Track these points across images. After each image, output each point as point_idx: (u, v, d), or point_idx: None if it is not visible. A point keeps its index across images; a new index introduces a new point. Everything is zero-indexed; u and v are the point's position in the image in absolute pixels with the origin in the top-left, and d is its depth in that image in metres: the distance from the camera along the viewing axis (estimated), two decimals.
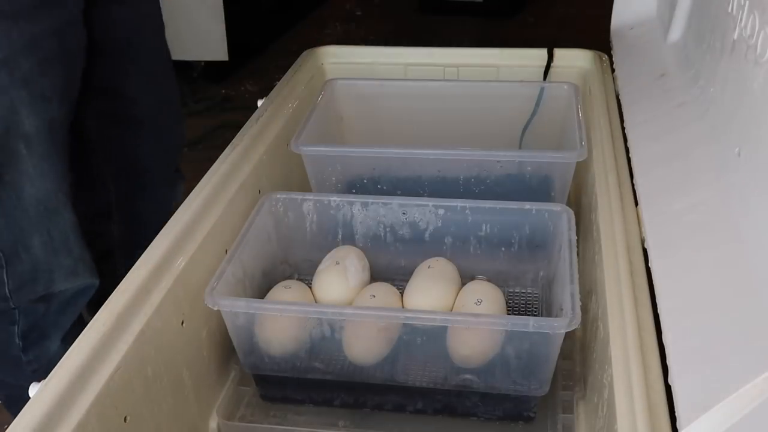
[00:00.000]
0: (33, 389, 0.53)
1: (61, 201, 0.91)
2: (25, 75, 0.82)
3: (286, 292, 0.74)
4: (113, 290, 0.61)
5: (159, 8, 1.11)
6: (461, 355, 0.66)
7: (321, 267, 0.77)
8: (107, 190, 1.14)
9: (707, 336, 0.49)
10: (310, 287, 0.77)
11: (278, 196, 0.80)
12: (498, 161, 0.83)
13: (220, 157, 0.82)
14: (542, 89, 0.99)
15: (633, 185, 0.73)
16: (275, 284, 0.76)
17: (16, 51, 0.80)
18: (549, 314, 0.78)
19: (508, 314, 0.74)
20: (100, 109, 1.06)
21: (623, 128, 0.84)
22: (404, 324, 0.65)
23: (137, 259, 0.65)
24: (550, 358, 0.64)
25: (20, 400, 0.51)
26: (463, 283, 0.76)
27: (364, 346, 0.68)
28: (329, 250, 0.79)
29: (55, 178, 0.90)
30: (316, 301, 0.75)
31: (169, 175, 1.17)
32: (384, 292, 0.74)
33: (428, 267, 0.76)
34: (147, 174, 1.15)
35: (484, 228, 0.78)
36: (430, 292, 0.73)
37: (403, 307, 0.74)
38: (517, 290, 0.82)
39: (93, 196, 1.14)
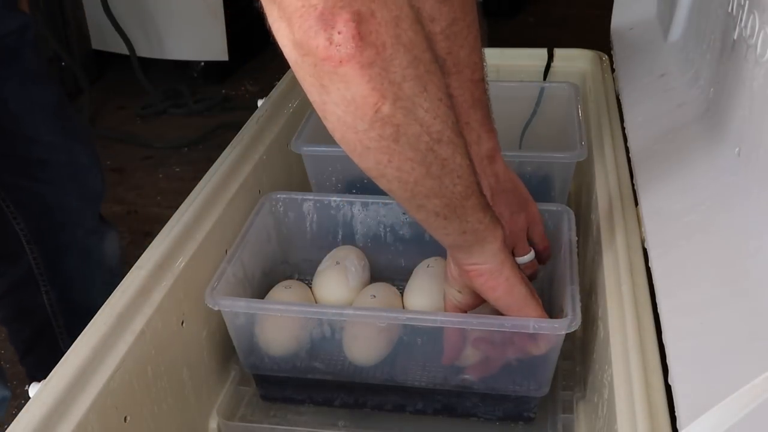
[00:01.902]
0: (33, 389, 0.53)
1: None
2: None
3: (286, 292, 0.74)
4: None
5: (40, 55, 1.02)
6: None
7: (321, 267, 0.77)
8: (24, 254, 1.04)
9: (707, 336, 0.49)
10: (311, 287, 0.77)
11: (278, 196, 0.80)
12: None
13: (220, 157, 0.82)
14: (542, 89, 0.99)
15: (633, 185, 0.73)
16: (275, 284, 0.76)
17: None
18: (549, 315, 0.78)
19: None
20: (1, 154, 0.98)
21: (623, 128, 0.84)
22: (404, 325, 0.65)
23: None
24: (551, 358, 0.64)
25: None
26: None
27: (364, 346, 0.68)
28: (329, 250, 0.79)
29: None
30: (316, 301, 0.75)
31: (92, 226, 1.07)
32: (384, 292, 0.74)
33: (428, 266, 0.76)
34: (65, 228, 1.05)
35: None
36: (431, 292, 0.73)
37: (403, 307, 0.74)
38: None
39: (11, 264, 1.05)
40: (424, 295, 0.74)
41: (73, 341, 0.57)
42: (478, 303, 0.64)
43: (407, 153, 0.46)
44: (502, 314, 0.62)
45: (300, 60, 0.42)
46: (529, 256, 0.71)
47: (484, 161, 0.69)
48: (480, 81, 0.66)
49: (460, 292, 0.63)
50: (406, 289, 0.75)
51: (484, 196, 0.55)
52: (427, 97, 0.45)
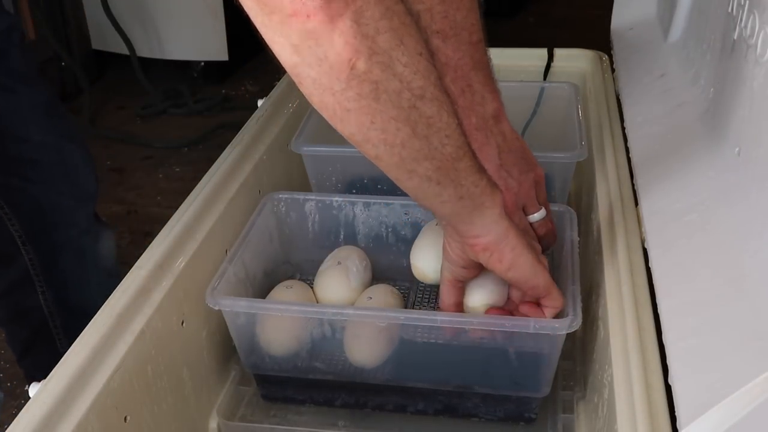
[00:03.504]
0: (33, 389, 0.53)
1: None
2: None
3: (287, 292, 0.74)
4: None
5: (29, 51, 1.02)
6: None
7: (323, 267, 0.77)
8: (20, 255, 1.03)
9: (707, 336, 0.49)
10: (312, 287, 0.77)
11: (280, 196, 0.80)
12: None
13: (220, 157, 0.82)
14: (542, 89, 0.99)
15: (633, 185, 0.73)
16: (277, 284, 0.76)
17: None
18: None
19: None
20: None
21: (623, 128, 0.84)
22: (404, 325, 0.65)
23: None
24: (552, 359, 0.64)
25: None
26: None
27: (364, 346, 0.68)
28: (331, 250, 0.79)
29: None
30: (317, 301, 0.75)
31: (86, 226, 1.06)
32: (382, 294, 0.74)
33: (436, 224, 0.75)
34: (59, 228, 1.04)
35: None
36: (437, 251, 0.67)
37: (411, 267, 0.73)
38: None
39: (6, 265, 1.05)
40: (432, 255, 0.73)
41: (71, 341, 0.57)
42: (478, 274, 0.63)
43: (390, 112, 0.45)
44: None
45: (266, 20, 0.41)
46: (540, 214, 0.69)
47: (490, 121, 0.67)
48: (479, 42, 0.65)
49: (464, 267, 0.62)
50: (413, 249, 0.75)
51: (477, 159, 0.54)
52: (405, 51, 0.44)
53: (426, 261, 0.74)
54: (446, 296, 0.65)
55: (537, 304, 0.62)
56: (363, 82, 0.43)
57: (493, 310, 0.65)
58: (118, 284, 0.63)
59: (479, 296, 0.66)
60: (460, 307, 0.65)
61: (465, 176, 0.52)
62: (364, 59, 0.42)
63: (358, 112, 0.44)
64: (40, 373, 0.54)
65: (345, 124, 0.46)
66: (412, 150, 0.48)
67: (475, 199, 0.54)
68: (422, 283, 0.78)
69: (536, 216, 0.69)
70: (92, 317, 0.59)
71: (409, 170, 0.50)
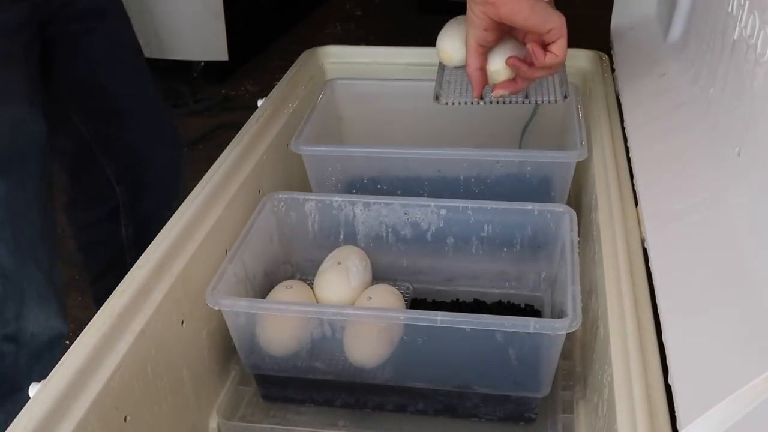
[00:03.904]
0: (33, 389, 0.53)
1: (29, 203, 0.90)
2: None
3: (287, 292, 0.74)
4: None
5: (124, 11, 1.14)
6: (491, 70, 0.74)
7: (323, 267, 0.77)
8: (114, 193, 1.16)
9: (707, 336, 0.49)
10: (312, 287, 0.77)
11: (280, 196, 0.80)
12: (498, 161, 0.83)
13: (220, 157, 0.82)
14: None
15: (633, 185, 0.73)
16: (277, 284, 0.76)
17: None
18: (550, 315, 0.78)
19: (510, 315, 0.74)
20: (89, 108, 1.08)
21: (623, 128, 0.84)
22: (405, 324, 0.65)
23: None
24: (552, 359, 0.64)
25: None
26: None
27: (364, 346, 0.68)
28: (331, 250, 0.79)
29: (20, 179, 0.89)
30: (317, 302, 0.75)
31: (169, 170, 1.19)
32: (382, 294, 0.74)
33: (457, 20, 0.84)
34: (149, 170, 1.17)
35: (486, 228, 0.78)
36: (462, 35, 0.79)
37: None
38: (518, 291, 0.82)
39: (101, 201, 1.17)
40: (457, 39, 0.83)
41: None
42: (498, 38, 0.74)
43: None
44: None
45: None
46: None
47: None
48: None
49: (485, 30, 0.72)
50: (439, 37, 0.86)
51: None
52: None
53: (452, 44, 0.84)
54: (472, 61, 0.76)
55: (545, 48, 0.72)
56: None
57: (512, 59, 0.75)
58: None
59: (499, 58, 0.76)
60: (484, 71, 0.77)
61: None
62: None
63: None
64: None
65: None
66: None
67: None
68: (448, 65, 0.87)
69: None
70: None
71: None
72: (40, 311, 0.92)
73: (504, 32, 0.74)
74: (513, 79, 0.77)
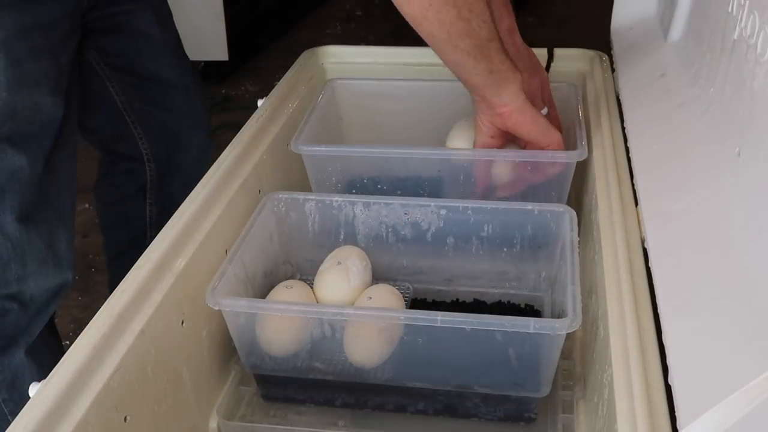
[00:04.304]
0: (33, 389, 0.53)
1: (37, 174, 0.92)
2: (18, 57, 0.87)
3: (287, 292, 0.74)
4: None
5: None
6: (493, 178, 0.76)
7: (323, 267, 0.77)
8: (144, 171, 1.19)
9: (707, 336, 0.49)
10: (312, 287, 0.77)
11: (280, 196, 0.80)
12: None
13: (220, 157, 0.82)
14: None
15: (633, 185, 0.73)
16: (277, 284, 0.76)
17: (10, 36, 0.85)
18: (550, 315, 0.78)
19: (510, 315, 0.74)
20: (126, 83, 1.12)
21: (623, 128, 0.84)
22: (405, 325, 0.65)
23: None
24: (552, 359, 0.64)
25: None
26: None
27: (364, 346, 0.68)
28: (331, 250, 0.79)
29: (37, 156, 0.91)
30: (317, 302, 0.75)
31: (198, 153, 1.21)
32: (382, 294, 0.74)
33: (465, 120, 0.88)
34: (182, 151, 1.19)
35: (486, 228, 0.78)
36: (470, 133, 0.84)
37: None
38: (518, 291, 0.82)
39: (132, 179, 1.20)
40: (465, 138, 0.87)
41: None
42: (505, 143, 0.81)
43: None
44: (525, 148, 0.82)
45: None
46: (544, 111, 0.84)
47: (505, 34, 0.87)
48: None
49: (492, 137, 0.79)
50: (449, 137, 0.89)
51: (503, 44, 0.72)
52: None
53: (461, 144, 0.87)
54: (478, 164, 0.83)
55: None
56: None
57: (519, 165, 0.82)
58: None
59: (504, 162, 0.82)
60: (488, 172, 0.83)
61: (495, 55, 0.71)
62: None
63: None
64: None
65: (409, 6, 0.67)
66: (457, 28, 0.67)
67: (501, 74, 0.73)
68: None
69: (542, 112, 0.82)
70: None
71: (454, 45, 0.69)
72: (41, 275, 0.95)
73: (509, 139, 0.81)
74: (514, 181, 0.84)
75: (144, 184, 1.20)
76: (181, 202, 0.72)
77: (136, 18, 1.08)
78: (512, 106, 0.75)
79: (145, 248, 0.65)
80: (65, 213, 0.98)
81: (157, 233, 0.68)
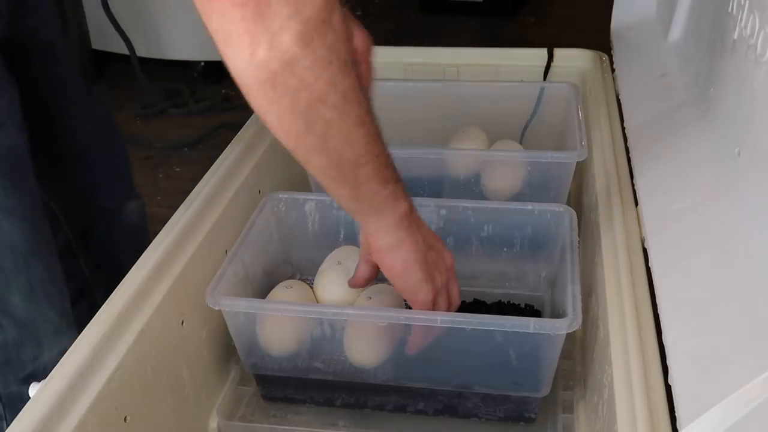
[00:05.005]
0: (33, 389, 0.53)
1: (36, 242, 0.88)
2: None
3: (287, 291, 0.74)
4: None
5: (75, 43, 1.06)
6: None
7: (323, 267, 0.77)
8: (61, 227, 1.10)
9: (707, 336, 0.49)
10: (312, 287, 0.77)
11: (280, 196, 0.80)
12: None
13: (220, 157, 0.82)
14: (542, 89, 0.99)
15: (633, 185, 0.73)
16: (277, 284, 0.76)
17: None
18: (550, 315, 0.78)
19: (510, 315, 0.74)
20: (41, 146, 1.01)
21: (623, 128, 0.84)
22: (405, 325, 0.65)
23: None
24: (552, 359, 0.64)
25: None
26: None
27: (364, 346, 0.68)
28: (331, 250, 0.79)
29: (24, 215, 0.86)
30: (317, 301, 0.75)
31: (120, 200, 1.15)
32: (382, 294, 0.74)
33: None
34: (96, 202, 1.12)
35: (486, 228, 0.78)
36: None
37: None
38: (518, 291, 0.82)
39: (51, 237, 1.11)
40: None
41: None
42: (376, 276, 0.66)
43: (284, 105, 0.47)
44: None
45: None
46: None
47: None
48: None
49: (367, 263, 0.65)
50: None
51: (390, 170, 0.56)
52: (312, 56, 0.45)
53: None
54: (360, 272, 0.67)
55: None
56: (261, 70, 0.45)
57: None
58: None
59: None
60: (369, 282, 0.68)
61: (365, 182, 0.54)
62: (263, 49, 0.44)
63: (257, 93, 0.47)
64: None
65: (250, 98, 0.48)
66: (305, 143, 0.50)
67: (372, 205, 0.57)
68: None
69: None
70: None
71: (303, 159, 0.52)
72: (54, 330, 0.91)
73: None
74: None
75: (66, 241, 1.12)
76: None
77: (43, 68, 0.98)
78: (381, 243, 0.60)
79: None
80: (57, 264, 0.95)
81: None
